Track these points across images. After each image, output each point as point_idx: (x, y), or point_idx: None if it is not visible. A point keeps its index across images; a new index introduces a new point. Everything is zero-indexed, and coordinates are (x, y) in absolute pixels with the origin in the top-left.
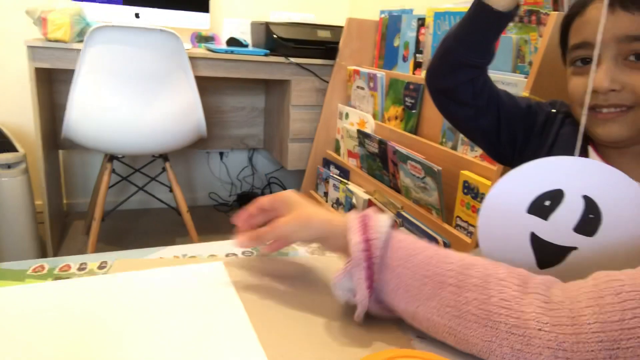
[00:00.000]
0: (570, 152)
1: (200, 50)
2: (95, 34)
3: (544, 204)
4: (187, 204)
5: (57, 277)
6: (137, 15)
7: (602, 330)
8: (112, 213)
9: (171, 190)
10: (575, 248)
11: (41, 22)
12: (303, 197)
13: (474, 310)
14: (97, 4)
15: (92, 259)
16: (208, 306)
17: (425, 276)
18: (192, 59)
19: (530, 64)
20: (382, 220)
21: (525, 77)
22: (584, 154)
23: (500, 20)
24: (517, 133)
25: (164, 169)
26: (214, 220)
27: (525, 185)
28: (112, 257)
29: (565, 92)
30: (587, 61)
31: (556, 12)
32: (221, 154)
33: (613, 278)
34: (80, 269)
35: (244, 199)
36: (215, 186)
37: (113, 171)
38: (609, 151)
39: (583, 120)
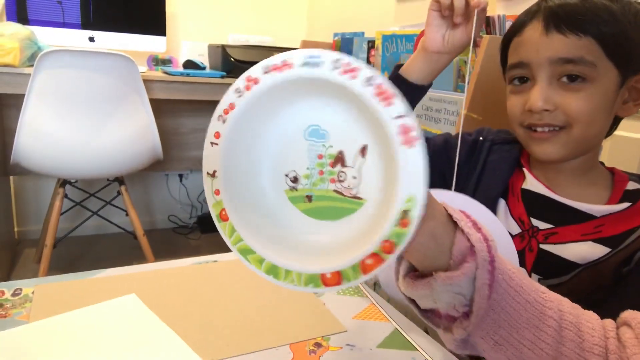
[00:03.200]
0: (499, 176)
1: (157, 73)
2: (45, 58)
3: None
4: (145, 228)
5: None
6: (91, 39)
7: None
8: (66, 239)
9: (127, 214)
10: None
11: None
12: None
13: (568, 352)
14: (51, 28)
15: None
16: (134, 334)
17: (527, 302)
18: (148, 81)
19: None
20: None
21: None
22: (519, 173)
23: (416, 92)
24: (443, 169)
25: (119, 193)
26: (173, 243)
27: None
28: (30, 283)
29: (500, 108)
30: (523, 80)
31: (489, 35)
32: (180, 175)
33: None
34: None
35: (205, 220)
36: (174, 208)
37: (66, 196)
38: (544, 167)
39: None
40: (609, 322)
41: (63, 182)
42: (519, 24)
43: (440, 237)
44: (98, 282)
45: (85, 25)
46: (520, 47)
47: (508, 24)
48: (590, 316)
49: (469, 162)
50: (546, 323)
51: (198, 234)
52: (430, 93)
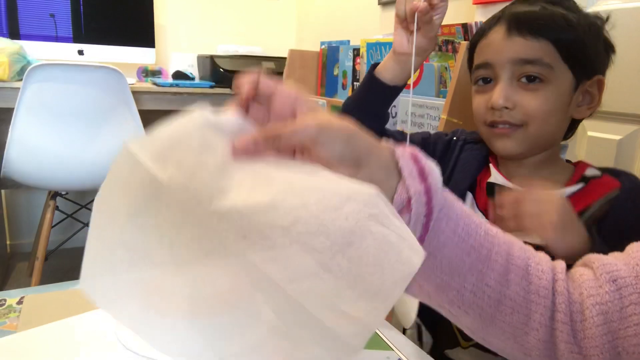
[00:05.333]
0: (468, 172)
1: (146, 85)
2: (34, 72)
3: None
4: None
5: None
6: (80, 52)
7: (604, 322)
8: (58, 251)
9: None
10: None
11: None
12: None
13: (512, 295)
14: (42, 42)
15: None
16: (123, 343)
17: (472, 246)
18: (137, 93)
19: None
20: (434, 166)
21: None
22: (487, 170)
23: (389, 92)
24: None
25: None
26: None
27: None
28: (15, 294)
29: None
30: (487, 80)
31: (466, 42)
32: None
33: (605, 263)
34: None
35: None
36: None
37: (57, 208)
38: (508, 164)
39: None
40: (558, 264)
41: (54, 195)
42: (484, 29)
43: (380, 182)
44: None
45: (77, 38)
46: (484, 49)
47: None
48: (541, 258)
49: (444, 159)
50: (491, 267)
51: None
52: (414, 99)
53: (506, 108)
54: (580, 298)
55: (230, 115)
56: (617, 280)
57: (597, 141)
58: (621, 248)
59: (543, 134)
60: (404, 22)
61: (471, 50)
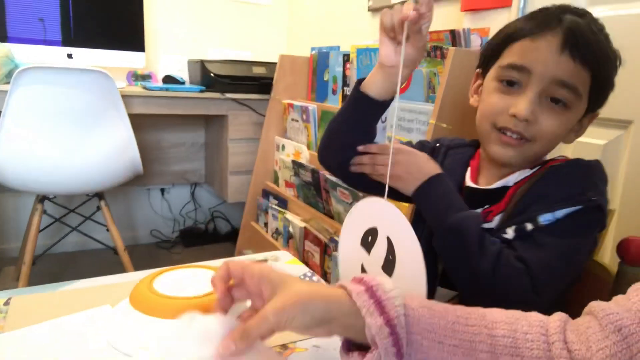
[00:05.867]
0: (454, 178)
1: (136, 89)
2: (22, 75)
3: (369, 239)
4: (127, 243)
5: None
6: (69, 56)
7: None
8: (46, 256)
9: (108, 230)
10: None
11: None
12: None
13: None
14: (31, 45)
15: None
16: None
17: (454, 346)
18: (127, 97)
19: None
20: (391, 290)
21: None
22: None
23: (377, 107)
24: None
25: (99, 208)
26: (155, 257)
27: (360, 219)
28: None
29: (467, 117)
30: (512, 83)
31: (454, 48)
32: (162, 190)
33: (609, 312)
34: None
35: (187, 234)
36: (157, 223)
37: (45, 212)
38: (491, 165)
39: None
40: (552, 323)
41: (42, 198)
42: (532, 29)
43: (352, 327)
44: (73, 294)
45: (66, 42)
46: (528, 52)
47: (473, 37)
48: (531, 323)
49: None
50: (478, 358)
51: (181, 248)
52: (403, 104)
53: (526, 121)
54: (589, 353)
55: (215, 318)
56: (622, 329)
57: (582, 146)
58: (526, 216)
59: (542, 152)
60: (391, 32)
61: (505, 42)
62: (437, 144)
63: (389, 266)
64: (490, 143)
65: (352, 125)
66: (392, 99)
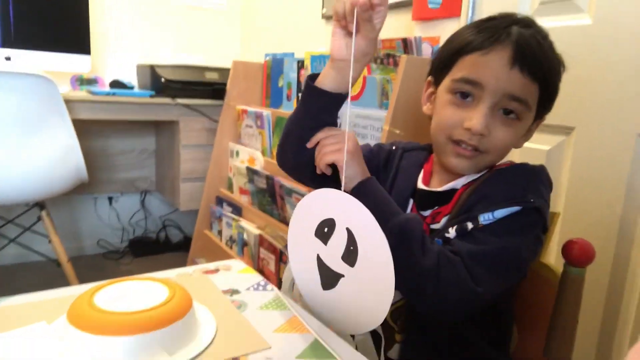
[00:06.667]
0: (408, 179)
1: (80, 94)
2: None
3: (324, 230)
4: (72, 254)
5: None
6: (7, 59)
7: None
8: None
9: (50, 241)
10: (342, 275)
11: None
12: None
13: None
14: None
15: None
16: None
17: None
18: (71, 102)
19: None
20: None
21: None
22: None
23: (331, 100)
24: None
25: (39, 218)
26: (102, 268)
27: (314, 210)
28: None
29: (419, 123)
30: (466, 95)
31: (406, 55)
32: (110, 198)
33: None
34: None
35: (137, 244)
36: (104, 233)
37: None
38: (444, 172)
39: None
40: None
41: None
42: (488, 41)
43: None
44: (7, 310)
45: (5, 43)
46: (480, 67)
47: (424, 46)
48: None
49: (387, 167)
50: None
51: (130, 258)
52: (357, 111)
53: (481, 135)
54: None
55: None
56: None
57: (527, 151)
58: (468, 216)
59: (494, 161)
60: (343, 20)
61: (456, 54)
62: (394, 147)
63: (350, 256)
64: (446, 154)
65: (307, 122)
66: (346, 95)
